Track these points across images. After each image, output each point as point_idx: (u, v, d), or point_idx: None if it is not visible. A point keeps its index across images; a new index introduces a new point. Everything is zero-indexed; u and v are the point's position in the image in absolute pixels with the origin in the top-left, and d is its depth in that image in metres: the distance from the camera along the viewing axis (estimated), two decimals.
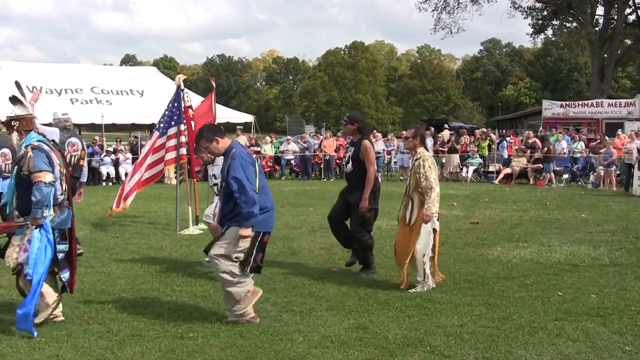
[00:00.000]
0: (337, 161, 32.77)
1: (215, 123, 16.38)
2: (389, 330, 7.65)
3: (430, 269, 9.59)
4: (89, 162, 29.73)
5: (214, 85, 16.59)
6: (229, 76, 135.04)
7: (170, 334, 7.49)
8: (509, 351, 6.91)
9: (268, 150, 33.57)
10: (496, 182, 28.69)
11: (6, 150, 12.71)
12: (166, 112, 14.86)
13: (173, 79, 18.09)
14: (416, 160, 9.72)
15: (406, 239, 9.68)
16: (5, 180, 12.56)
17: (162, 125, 14.80)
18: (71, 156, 11.90)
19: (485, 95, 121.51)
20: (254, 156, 7.97)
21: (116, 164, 30.40)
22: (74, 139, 12.11)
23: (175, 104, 14.77)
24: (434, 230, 9.62)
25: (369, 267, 10.77)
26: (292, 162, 33.47)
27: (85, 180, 12.97)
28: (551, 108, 41.38)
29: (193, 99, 16.22)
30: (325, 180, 31.07)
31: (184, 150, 14.92)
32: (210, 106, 16.23)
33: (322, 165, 32.39)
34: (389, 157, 33.49)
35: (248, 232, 7.65)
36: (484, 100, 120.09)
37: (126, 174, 29.57)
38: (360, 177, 10.56)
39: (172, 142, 14.79)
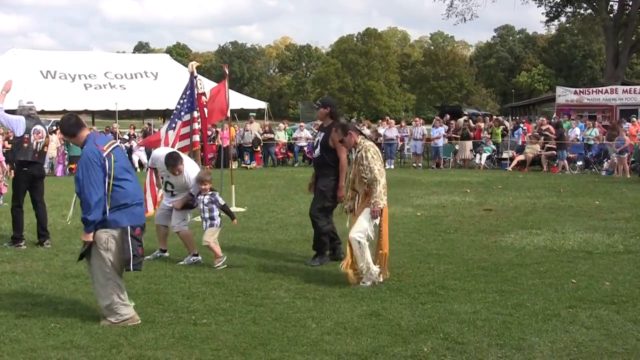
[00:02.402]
0: None
1: (229, 109, 16.46)
2: (402, 317, 7.64)
3: (374, 261, 9.10)
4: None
5: (227, 72, 16.57)
6: (241, 63, 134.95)
7: (184, 321, 7.52)
8: (522, 338, 6.89)
9: (281, 137, 33.56)
10: (509, 169, 28.59)
11: None
12: (182, 100, 14.73)
13: (186, 66, 18.07)
14: (358, 151, 9.30)
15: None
16: None
17: (182, 113, 14.63)
18: (37, 143, 12.02)
19: (499, 82, 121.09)
20: (111, 147, 7.53)
21: (129, 151, 30.42)
22: (39, 127, 12.19)
23: (189, 91, 14.70)
24: (380, 224, 9.11)
25: (322, 256, 10.56)
26: (305, 149, 33.40)
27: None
28: (565, 95, 41.10)
29: (206, 86, 16.20)
30: None
31: (196, 138, 14.84)
32: (223, 93, 16.23)
33: None
34: (402, 143, 33.36)
35: (87, 237, 7.35)
36: (497, 87, 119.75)
37: (140, 162, 29.66)
38: (328, 164, 10.45)
39: (186, 130, 14.68)
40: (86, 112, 39.03)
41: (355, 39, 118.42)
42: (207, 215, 10.36)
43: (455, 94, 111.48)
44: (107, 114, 35.50)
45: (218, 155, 26.29)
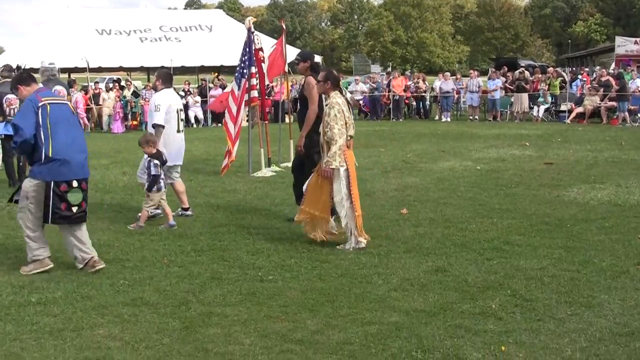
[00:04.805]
0: (406, 101, 32.57)
1: (287, 64, 16.44)
2: (468, 273, 7.61)
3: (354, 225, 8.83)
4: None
5: (284, 27, 16.51)
6: (293, 17, 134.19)
7: (250, 277, 7.56)
8: (591, 295, 6.82)
9: None
10: (568, 121, 28.14)
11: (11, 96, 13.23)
12: (243, 57, 14.76)
13: (239, 21, 18.00)
14: (326, 104, 9.01)
15: (318, 187, 9.05)
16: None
17: (244, 70, 14.67)
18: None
19: (554, 32, 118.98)
20: (50, 100, 7.76)
21: (185, 107, 30.49)
22: (59, 87, 12.57)
23: (247, 48, 14.72)
24: (348, 186, 8.85)
25: None
26: (361, 102, 33.25)
27: None
28: (625, 45, 40.24)
29: (263, 41, 16.16)
30: (394, 120, 30.84)
31: (255, 93, 14.88)
32: (281, 49, 16.20)
33: (390, 106, 32.10)
34: (458, 96, 32.97)
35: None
36: (552, 38, 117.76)
37: (196, 118, 29.90)
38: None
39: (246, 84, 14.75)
40: (142, 69, 39.31)
41: None
42: (146, 178, 10.19)
43: (510, 45, 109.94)
44: None
45: (274, 110, 26.33)
